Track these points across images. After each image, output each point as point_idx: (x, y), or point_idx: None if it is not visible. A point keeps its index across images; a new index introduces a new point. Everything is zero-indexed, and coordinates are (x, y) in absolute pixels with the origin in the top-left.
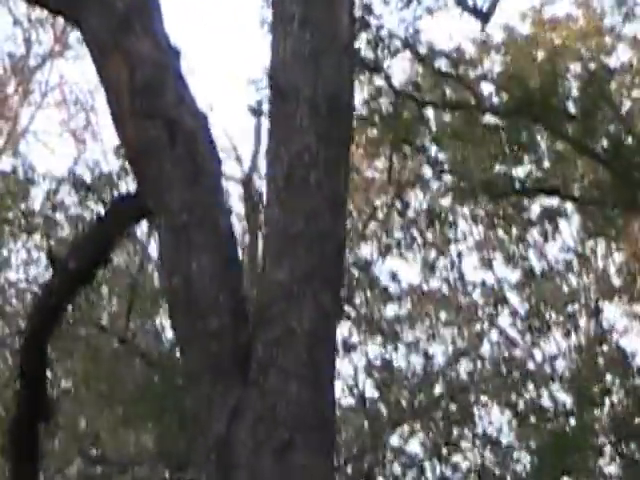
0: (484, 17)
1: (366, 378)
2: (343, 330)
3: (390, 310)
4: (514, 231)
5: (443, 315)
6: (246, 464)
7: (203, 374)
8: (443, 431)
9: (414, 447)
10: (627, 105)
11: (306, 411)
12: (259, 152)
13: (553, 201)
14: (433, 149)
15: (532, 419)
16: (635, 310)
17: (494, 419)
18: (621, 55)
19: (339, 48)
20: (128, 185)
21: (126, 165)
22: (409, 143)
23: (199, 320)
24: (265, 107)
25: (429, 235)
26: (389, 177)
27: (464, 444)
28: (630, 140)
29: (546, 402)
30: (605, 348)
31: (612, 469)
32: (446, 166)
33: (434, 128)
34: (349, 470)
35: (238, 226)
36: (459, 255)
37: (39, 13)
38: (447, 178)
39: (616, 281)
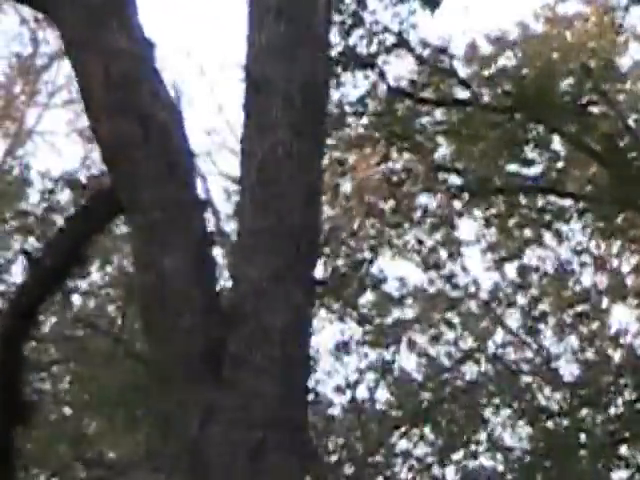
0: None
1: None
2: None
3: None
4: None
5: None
6: (219, 465)
7: (175, 373)
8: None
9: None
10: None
11: (279, 410)
12: None
13: (551, 199)
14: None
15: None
16: None
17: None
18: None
19: (315, 40)
20: None
21: None
22: (404, 140)
23: (171, 318)
24: None
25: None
26: (386, 176)
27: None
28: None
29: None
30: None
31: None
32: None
33: (429, 125)
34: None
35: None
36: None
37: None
38: (443, 176)
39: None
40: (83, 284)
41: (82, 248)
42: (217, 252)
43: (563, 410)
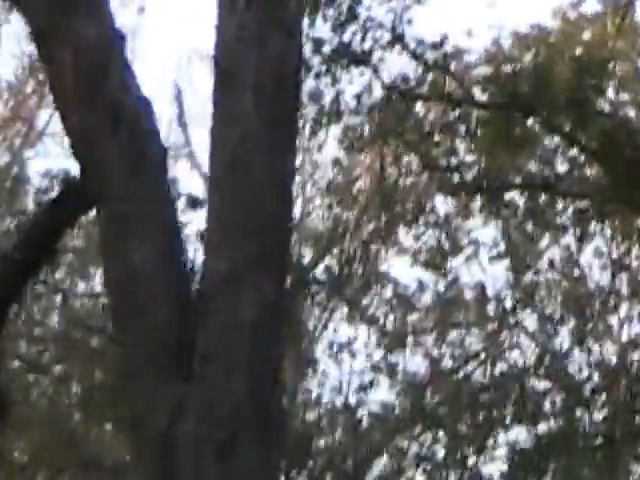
0: None
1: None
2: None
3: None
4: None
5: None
6: (189, 461)
7: (144, 369)
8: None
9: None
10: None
11: (250, 407)
12: None
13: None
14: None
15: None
16: None
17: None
18: None
19: (286, 28)
20: None
21: None
22: (399, 137)
23: (141, 313)
24: None
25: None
26: (381, 173)
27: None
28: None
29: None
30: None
31: None
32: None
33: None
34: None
35: None
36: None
37: None
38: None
39: None
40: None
41: (53, 241)
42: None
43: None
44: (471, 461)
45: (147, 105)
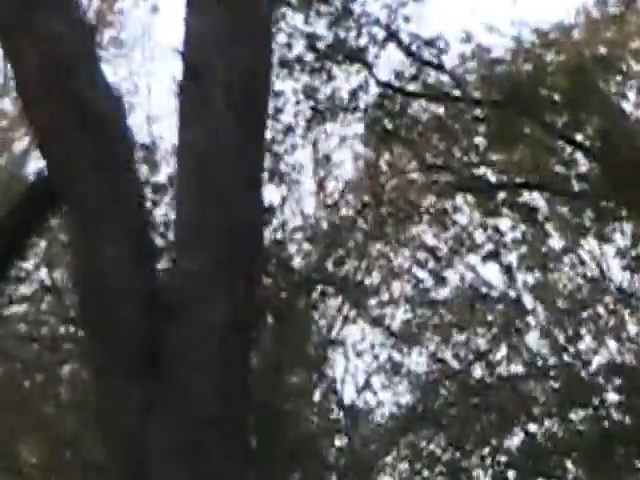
0: None
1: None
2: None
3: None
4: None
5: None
6: (158, 462)
7: (113, 368)
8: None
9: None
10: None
11: (219, 407)
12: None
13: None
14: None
15: None
16: None
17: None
18: None
19: (257, 25)
20: None
21: None
22: (394, 136)
23: (109, 311)
24: None
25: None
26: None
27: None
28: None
29: None
30: None
31: None
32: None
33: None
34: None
35: None
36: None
37: None
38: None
39: None
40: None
41: (21, 240)
42: None
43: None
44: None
45: (116, 102)
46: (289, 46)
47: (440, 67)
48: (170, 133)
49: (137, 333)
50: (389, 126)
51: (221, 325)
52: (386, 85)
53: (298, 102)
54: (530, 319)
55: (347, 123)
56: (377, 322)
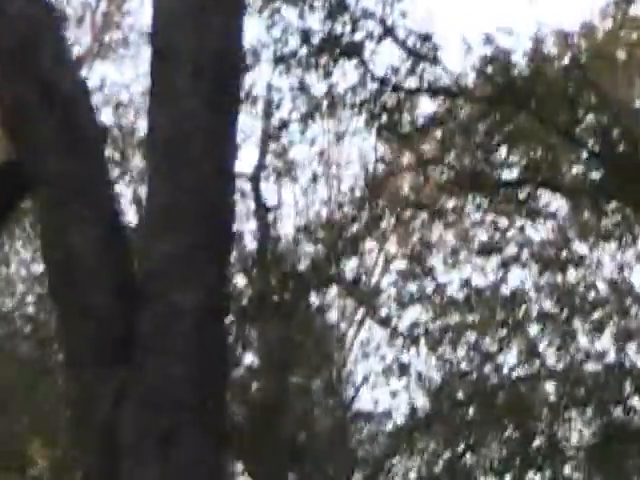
0: None
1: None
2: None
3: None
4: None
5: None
6: (131, 451)
7: (85, 355)
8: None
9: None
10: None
11: (192, 393)
12: (267, 147)
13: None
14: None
15: None
16: None
17: None
18: None
19: (227, 5)
20: None
21: None
22: (392, 131)
23: (80, 297)
24: None
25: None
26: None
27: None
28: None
29: None
30: None
31: None
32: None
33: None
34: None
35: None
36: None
37: (76, 12)
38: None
39: None
40: None
41: None
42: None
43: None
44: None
45: (82, 83)
46: (282, 41)
47: (436, 62)
48: None
49: (109, 319)
50: (387, 122)
51: (194, 311)
52: (382, 81)
53: (295, 98)
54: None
55: (345, 119)
56: (385, 322)
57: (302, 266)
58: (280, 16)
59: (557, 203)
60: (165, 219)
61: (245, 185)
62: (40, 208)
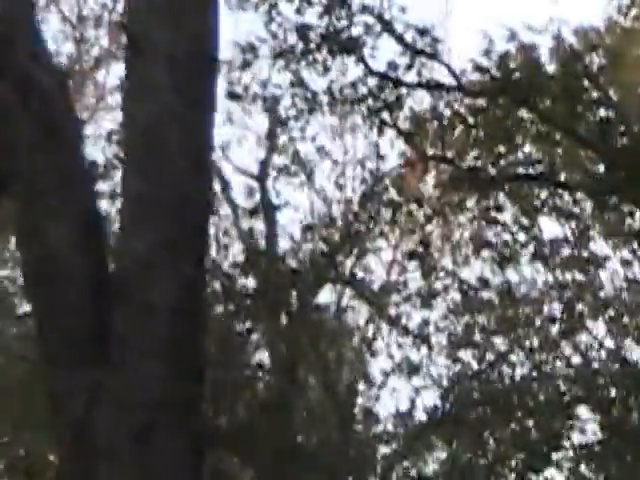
0: None
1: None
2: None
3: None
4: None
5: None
6: (106, 448)
7: (61, 352)
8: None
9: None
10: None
11: (168, 392)
12: (274, 147)
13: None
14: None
15: None
16: None
17: None
18: None
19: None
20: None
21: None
22: (392, 127)
23: (57, 293)
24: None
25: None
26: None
27: None
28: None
29: None
30: None
31: None
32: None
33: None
34: None
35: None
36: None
37: (93, 12)
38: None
39: None
40: None
41: None
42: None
43: None
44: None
45: (60, 76)
46: (280, 37)
47: (434, 56)
48: None
49: (85, 317)
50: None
51: (169, 308)
52: (381, 75)
53: (295, 94)
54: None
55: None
56: (395, 322)
57: (306, 264)
58: (277, 12)
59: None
60: (140, 215)
61: (252, 183)
62: (16, 204)
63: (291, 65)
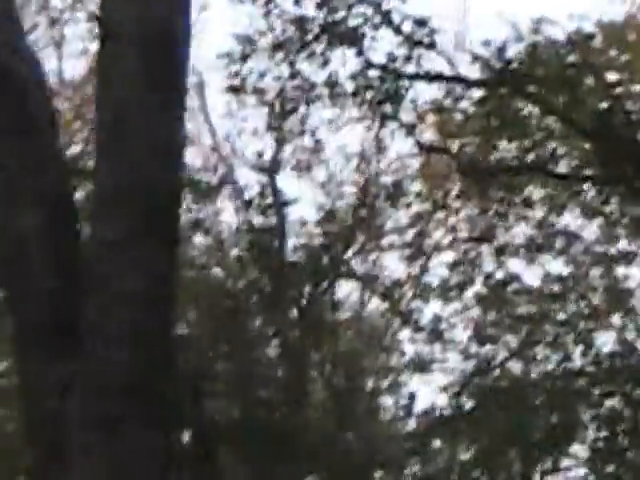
0: None
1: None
2: None
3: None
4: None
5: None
6: (77, 438)
7: (33, 341)
8: None
9: None
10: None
11: (138, 381)
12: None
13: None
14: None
15: None
16: None
17: None
18: None
19: None
20: None
21: None
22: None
23: (26, 282)
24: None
25: None
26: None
27: None
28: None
29: None
30: None
31: None
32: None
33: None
34: None
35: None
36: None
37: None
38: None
39: None
40: None
41: None
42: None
43: None
44: None
45: (35, 64)
46: (275, 29)
47: (433, 47)
48: None
49: (56, 305)
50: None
51: (138, 295)
52: (380, 67)
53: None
54: None
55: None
56: (406, 317)
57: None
58: (275, 4)
59: None
60: (110, 202)
61: (262, 178)
62: None
63: (290, 57)
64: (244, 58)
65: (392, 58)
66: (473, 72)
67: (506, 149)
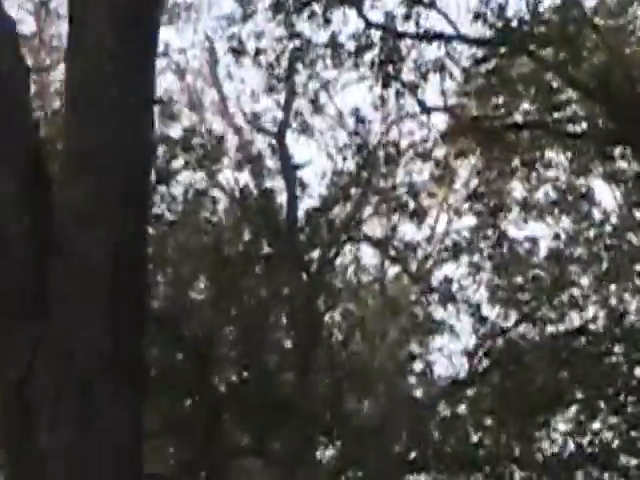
0: None
1: None
2: None
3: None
4: None
5: None
6: (48, 401)
7: (2, 307)
8: None
9: None
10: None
11: (107, 346)
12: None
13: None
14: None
15: None
16: None
17: None
18: None
19: None
20: None
21: None
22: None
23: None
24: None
25: None
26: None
27: None
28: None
29: None
30: None
31: None
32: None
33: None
34: None
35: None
36: None
37: None
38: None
39: None
40: None
41: None
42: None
43: None
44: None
45: (10, 24)
46: None
47: (433, 5)
48: None
49: (26, 271)
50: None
51: (107, 261)
52: (379, 27)
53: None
54: None
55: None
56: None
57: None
58: None
59: None
60: (79, 168)
61: (271, 141)
62: None
63: (289, 18)
64: (245, 19)
65: (391, 17)
66: (474, 31)
67: (509, 107)
